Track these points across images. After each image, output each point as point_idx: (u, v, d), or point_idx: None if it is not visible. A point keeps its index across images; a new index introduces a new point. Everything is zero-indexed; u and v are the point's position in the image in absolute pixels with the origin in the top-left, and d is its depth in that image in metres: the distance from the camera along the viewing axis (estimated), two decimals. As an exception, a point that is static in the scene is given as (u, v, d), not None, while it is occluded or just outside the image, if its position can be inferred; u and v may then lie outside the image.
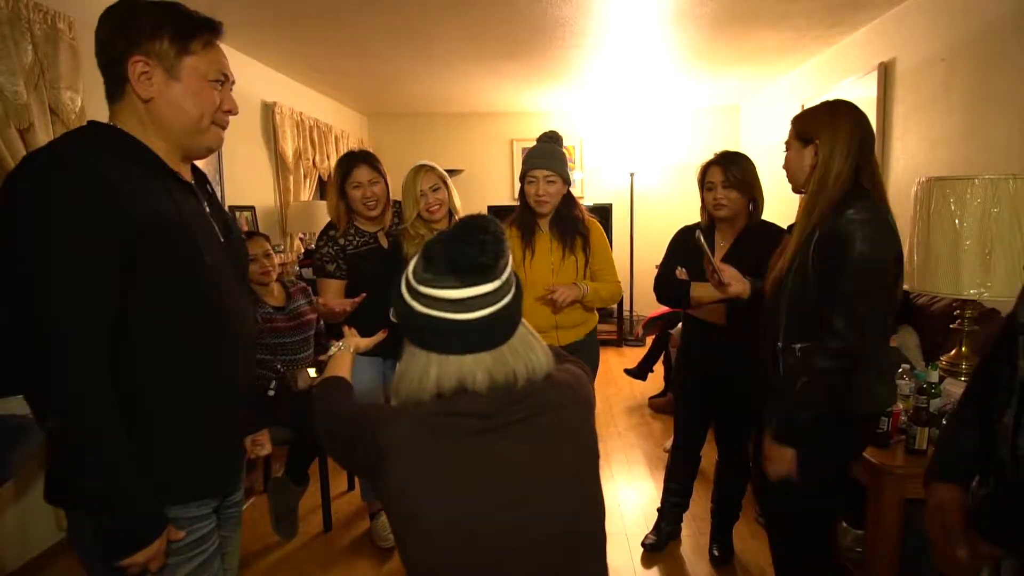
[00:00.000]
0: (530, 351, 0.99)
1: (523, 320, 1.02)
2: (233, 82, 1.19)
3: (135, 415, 1.02)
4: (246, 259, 1.34)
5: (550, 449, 0.97)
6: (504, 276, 0.95)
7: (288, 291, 2.86)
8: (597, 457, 1.06)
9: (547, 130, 2.31)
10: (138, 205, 1.00)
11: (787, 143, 1.64)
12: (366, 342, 1.49)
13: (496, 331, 0.95)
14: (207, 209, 1.19)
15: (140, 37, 1.05)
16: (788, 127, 1.64)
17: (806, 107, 1.70)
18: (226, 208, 3.70)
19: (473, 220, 0.96)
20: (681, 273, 2.26)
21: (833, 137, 1.52)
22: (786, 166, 1.65)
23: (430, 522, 0.91)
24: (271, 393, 2.65)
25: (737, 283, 1.85)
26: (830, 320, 1.44)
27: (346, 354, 1.40)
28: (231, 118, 1.20)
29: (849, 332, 1.43)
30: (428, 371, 0.95)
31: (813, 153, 1.56)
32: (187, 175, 1.16)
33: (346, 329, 1.53)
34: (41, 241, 0.93)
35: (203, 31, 1.12)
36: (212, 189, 1.27)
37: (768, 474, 1.57)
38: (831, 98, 1.63)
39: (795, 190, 1.66)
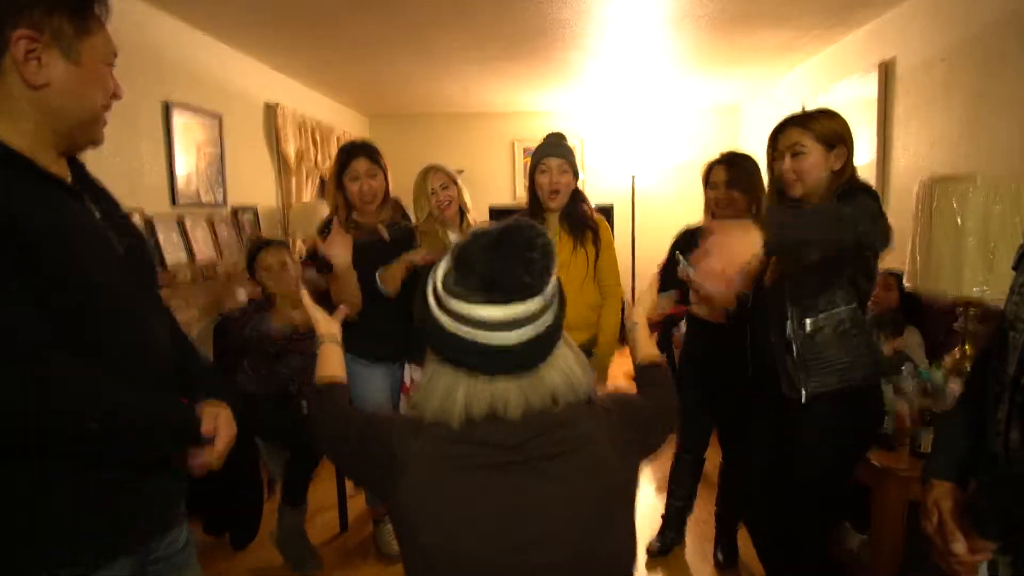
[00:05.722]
0: (570, 372, 0.88)
1: (564, 334, 0.89)
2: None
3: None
4: (153, 273, 1.10)
5: (576, 489, 0.87)
6: (549, 290, 0.82)
7: None
8: (631, 495, 0.96)
9: (552, 131, 2.31)
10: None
11: (799, 147, 1.59)
12: (336, 326, 1.31)
13: (535, 352, 0.83)
14: (96, 214, 0.98)
15: (30, 5, 0.85)
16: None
17: (806, 108, 1.68)
18: (228, 207, 3.77)
19: (520, 232, 0.82)
20: (682, 272, 2.26)
21: (851, 141, 1.60)
22: (802, 170, 1.59)
23: (436, 548, 0.85)
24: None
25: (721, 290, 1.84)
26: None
27: (334, 347, 1.25)
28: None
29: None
30: (454, 393, 0.84)
31: (838, 156, 1.58)
32: (63, 173, 0.97)
33: (313, 311, 1.31)
34: None
35: (101, 2, 0.93)
36: (101, 186, 1.05)
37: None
38: (831, 98, 1.67)
39: (797, 194, 1.62)
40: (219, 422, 1.03)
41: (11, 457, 0.85)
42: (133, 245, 1.03)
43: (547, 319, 0.83)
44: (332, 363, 1.20)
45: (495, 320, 0.79)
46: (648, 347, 1.31)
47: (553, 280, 0.84)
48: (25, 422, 0.82)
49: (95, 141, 0.99)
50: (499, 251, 0.80)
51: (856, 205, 1.44)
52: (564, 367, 0.87)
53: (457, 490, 0.85)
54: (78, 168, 1.01)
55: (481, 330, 0.79)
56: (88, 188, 1.00)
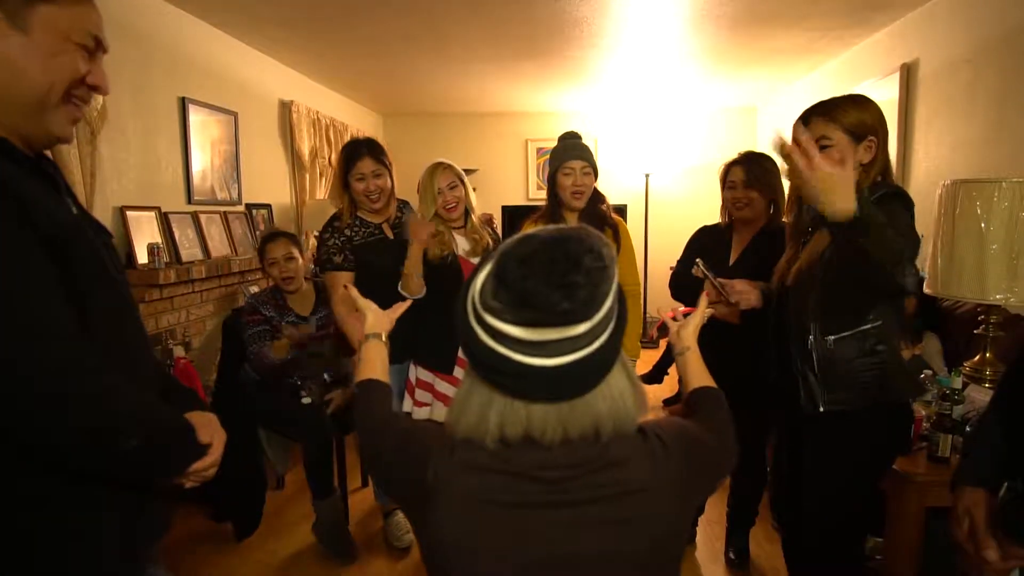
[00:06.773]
0: (620, 403, 0.78)
1: (621, 355, 0.79)
2: (106, 51, 0.88)
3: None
4: (123, 268, 1.04)
5: (619, 542, 0.78)
6: (599, 316, 0.71)
7: (319, 294, 2.71)
8: (678, 551, 0.86)
9: (567, 130, 2.31)
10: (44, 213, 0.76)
11: (824, 140, 1.47)
12: (389, 322, 1.30)
13: (581, 379, 0.74)
14: (73, 209, 0.89)
15: None
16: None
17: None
18: (242, 204, 3.79)
19: (564, 247, 0.71)
20: (697, 271, 2.24)
21: (885, 130, 1.49)
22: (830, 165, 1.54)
23: None
24: (305, 400, 2.63)
25: (749, 295, 1.76)
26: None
27: (378, 345, 1.20)
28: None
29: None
30: (488, 411, 0.77)
31: (867, 149, 1.47)
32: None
33: (363, 304, 1.30)
34: None
35: None
36: (66, 182, 0.94)
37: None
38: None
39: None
40: (212, 429, 0.98)
41: (39, 472, 0.80)
42: (109, 244, 0.96)
43: (596, 345, 0.72)
44: (373, 361, 1.16)
45: (533, 341, 0.70)
46: (704, 376, 1.17)
47: (607, 304, 0.72)
48: (71, 437, 0.76)
49: (56, 136, 0.84)
50: (534, 268, 0.69)
51: (894, 216, 1.35)
52: (615, 396, 0.77)
53: (491, 530, 0.78)
54: (47, 162, 0.90)
55: (518, 352, 0.70)
56: (63, 182, 0.90)
